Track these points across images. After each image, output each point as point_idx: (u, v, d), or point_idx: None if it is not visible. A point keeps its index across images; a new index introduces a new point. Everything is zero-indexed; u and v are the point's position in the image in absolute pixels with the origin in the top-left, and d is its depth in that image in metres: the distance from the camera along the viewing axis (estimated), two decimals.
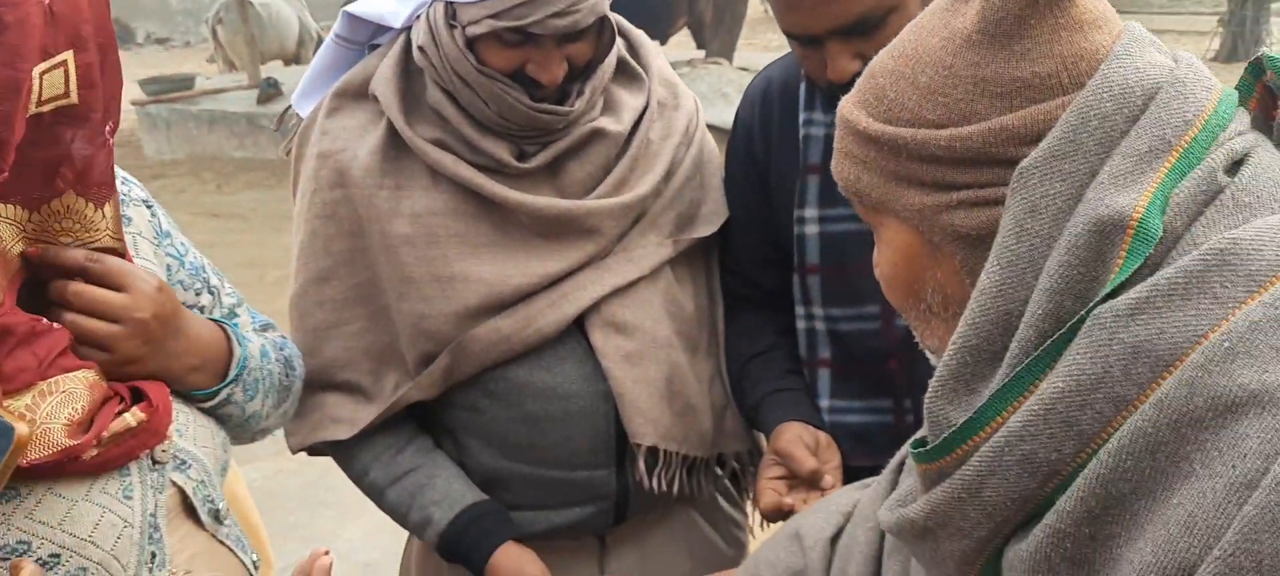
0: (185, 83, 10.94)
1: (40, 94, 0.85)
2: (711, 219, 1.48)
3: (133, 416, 0.96)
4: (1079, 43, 0.67)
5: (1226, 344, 0.56)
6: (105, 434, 0.93)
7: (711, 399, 1.48)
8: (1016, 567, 0.63)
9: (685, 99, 1.49)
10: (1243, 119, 0.67)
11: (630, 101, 1.42)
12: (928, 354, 0.80)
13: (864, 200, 0.76)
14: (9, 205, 0.91)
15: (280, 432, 1.46)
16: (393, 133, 1.35)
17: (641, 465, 1.39)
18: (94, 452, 0.93)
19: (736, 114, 1.51)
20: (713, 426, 1.47)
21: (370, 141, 1.35)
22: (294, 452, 1.44)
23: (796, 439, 1.31)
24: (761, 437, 1.50)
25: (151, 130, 10.28)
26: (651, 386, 1.38)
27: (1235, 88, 0.69)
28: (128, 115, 11.99)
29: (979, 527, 0.65)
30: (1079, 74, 0.67)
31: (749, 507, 1.61)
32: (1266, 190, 0.62)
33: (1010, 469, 0.62)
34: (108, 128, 0.93)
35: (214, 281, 1.22)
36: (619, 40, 1.42)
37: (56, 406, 0.92)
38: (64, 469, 0.92)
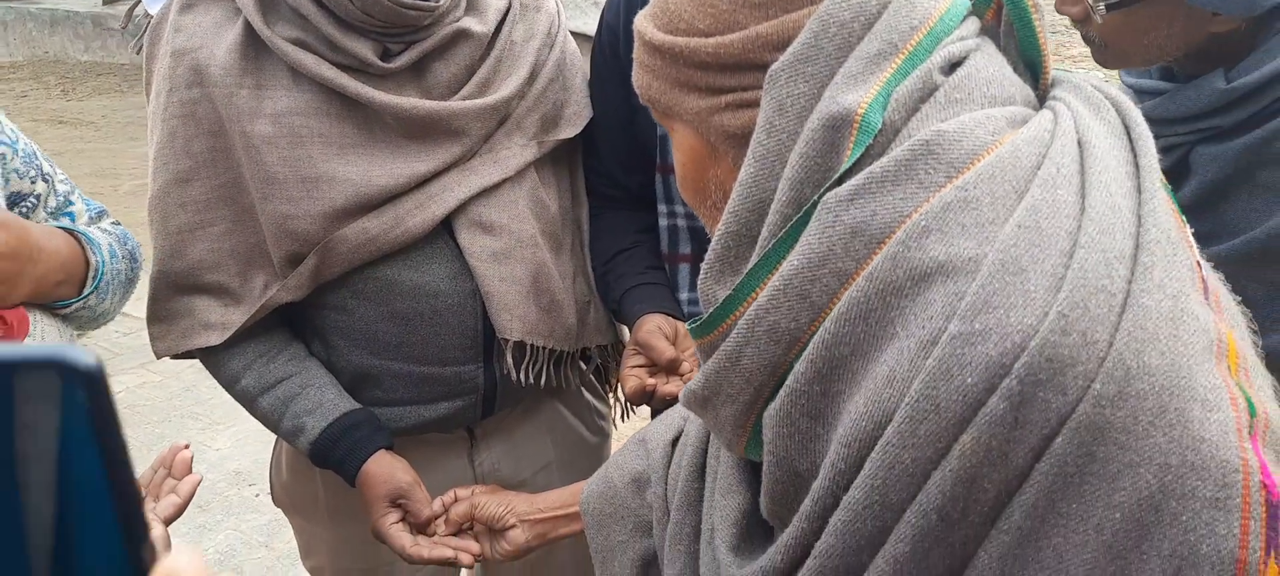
0: None
1: None
2: (575, 121, 1.51)
3: None
4: None
5: (923, 222, 0.64)
6: None
7: (575, 295, 1.52)
8: (769, 425, 0.71)
9: (546, 0, 1.51)
10: (970, 26, 0.74)
11: (494, 2, 1.43)
12: None
13: (656, 107, 0.82)
14: None
15: (145, 344, 1.44)
16: (251, 31, 1.33)
17: (509, 359, 1.43)
18: None
19: (601, 15, 1.53)
20: (577, 321, 1.52)
21: (227, 39, 1.33)
22: (159, 358, 1.43)
23: (656, 330, 1.38)
24: (625, 331, 1.56)
25: None
26: (518, 283, 1.42)
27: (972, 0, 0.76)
28: None
29: (742, 393, 0.73)
30: None
31: (612, 398, 1.68)
32: (977, 88, 0.70)
33: (760, 338, 0.70)
34: None
35: (47, 168, 1.19)
36: None
37: None
38: None
